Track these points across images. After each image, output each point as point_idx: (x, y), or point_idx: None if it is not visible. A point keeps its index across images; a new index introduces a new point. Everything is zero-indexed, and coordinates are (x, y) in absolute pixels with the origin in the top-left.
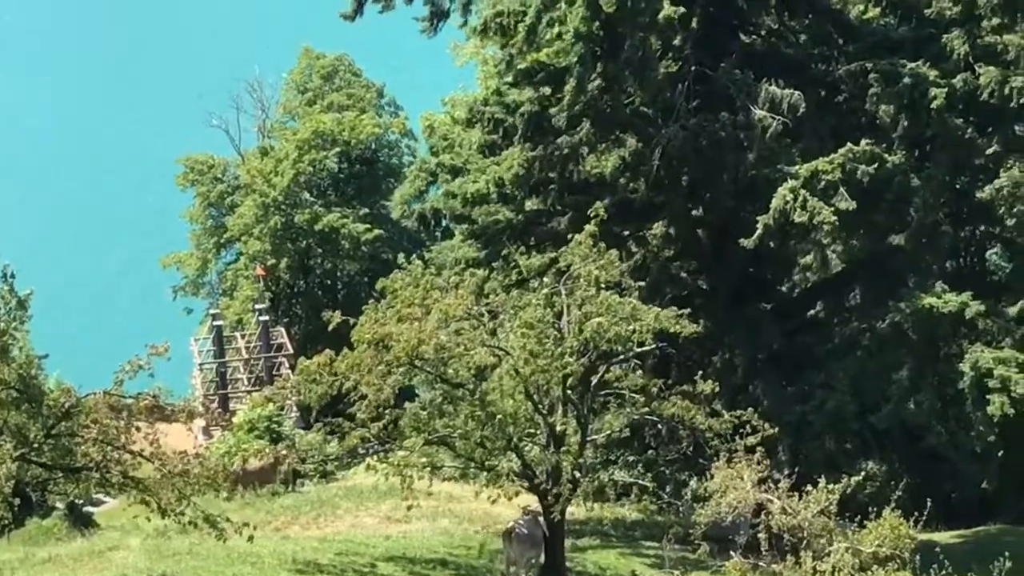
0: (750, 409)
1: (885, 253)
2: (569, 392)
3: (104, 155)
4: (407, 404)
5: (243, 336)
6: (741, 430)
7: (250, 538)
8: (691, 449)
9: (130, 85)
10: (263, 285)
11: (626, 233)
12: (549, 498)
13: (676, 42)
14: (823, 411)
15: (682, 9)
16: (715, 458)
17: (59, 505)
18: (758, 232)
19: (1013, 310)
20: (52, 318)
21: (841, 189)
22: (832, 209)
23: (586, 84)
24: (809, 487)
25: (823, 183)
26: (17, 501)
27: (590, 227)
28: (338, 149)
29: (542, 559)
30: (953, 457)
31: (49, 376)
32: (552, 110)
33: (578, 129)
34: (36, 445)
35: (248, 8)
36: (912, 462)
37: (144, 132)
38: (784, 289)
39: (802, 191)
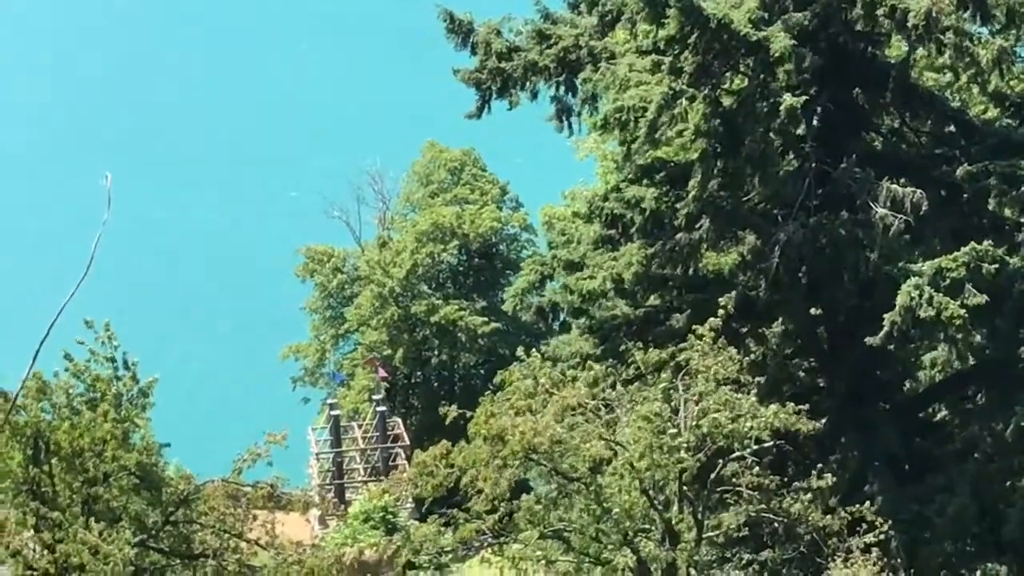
0: (868, 503)
1: (1008, 357)
2: (685, 488)
3: (223, 249)
4: (523, 496)
5: (360, 426)
6: (857, 528)
7: None
8: (808, 549)
9: (253, 176)
10: (381, 375)
11: (744, 330)
12: None
13: (796, 139)
14: (944, 515)
15: (804, 98)
16: (832, 558)
17: None
18: (884, 330)
19: None
20: (174, 406)
21: (968, 285)
22: (959, 303)
23: (709, 181)
24: None
25: (948, 280)
26: None
27: (715, 320)
28: (457, 242)
29: None
30: None
31: (169, 463)
32: (676, 206)
33: (698, 226)
34: (154, 532)
35: (370, 101)
36: None
37: (266, 223)
38: (903, 390)
39: (927, 288)
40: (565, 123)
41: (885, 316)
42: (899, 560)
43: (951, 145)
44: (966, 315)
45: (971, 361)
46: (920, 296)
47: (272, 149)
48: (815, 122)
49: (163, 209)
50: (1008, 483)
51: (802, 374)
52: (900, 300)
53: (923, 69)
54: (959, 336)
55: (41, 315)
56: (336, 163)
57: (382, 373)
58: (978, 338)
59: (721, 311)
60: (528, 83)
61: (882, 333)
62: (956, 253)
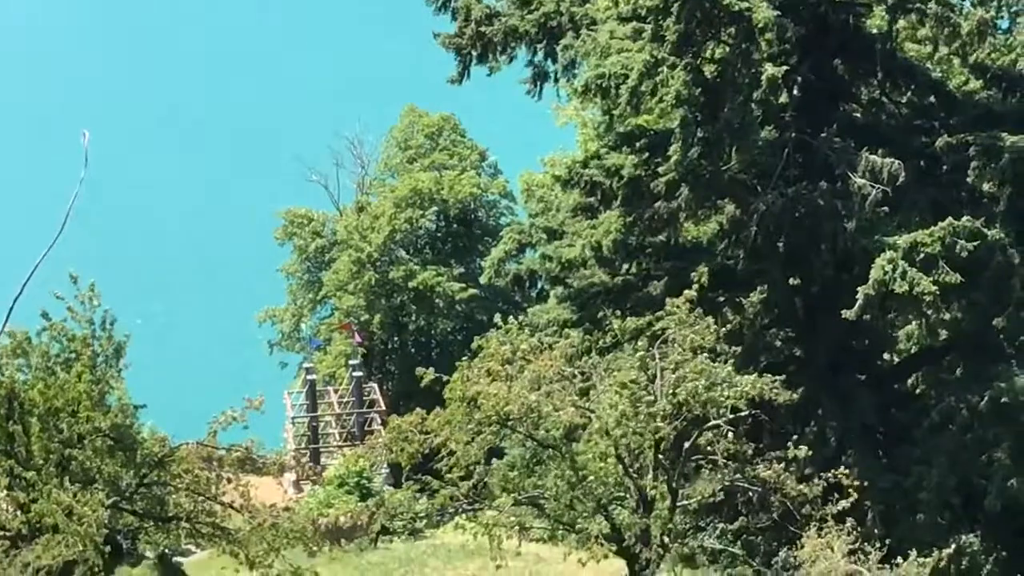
0: (842, 468)
1: (985, 330)
2: (660, 456)
3: (202, 207)
4: (495, 461)
5: (336, 391)
6: (831, 497)
7: None
8: (782, 517)
9: (231, 138)
10: (357, 340)
11: (722, 299)
12: (638, 563)
13: (776, 109)
14: (923, 486)
15: (785, 68)
16: (806, 527)
17: (149, 554)
18: (859, 303)
19: None
20: (149, 368)
21: (941, 263)
22: (932, 280)
23: (689, 149)
24: (900, 559)
25: (922, 255)
26: (108, 549)
27: (689, 292)
28: (436, 208)
29: None
30: None
31: (144, 425)
32: (658, 172)
33: (677, 194)
34: (128, 494)
35: (351, 66)
36: (1005, 537)
37: (243, 185)
38: (880, 361)
39: (901, 262)
40: (538, 88)
41: (859, 289)
42: (875, 531)
43: (931, 117)
44: (937, 292)
45: (947, 334)
46: (894, 271)
47: (253, 112)
48: (795, 92)
49: (142, 169)
50: (984, 455)
51: (779, 344)
52: (874, 274)
53: (904, 40)
54: (929, 312)
55: (16, 271)
56: (316, 127)
57: (357, 339)
58: (947, 316)
59: (698, 280)
60: (509, 48)
61: (856, 306)
62: (932, 228)
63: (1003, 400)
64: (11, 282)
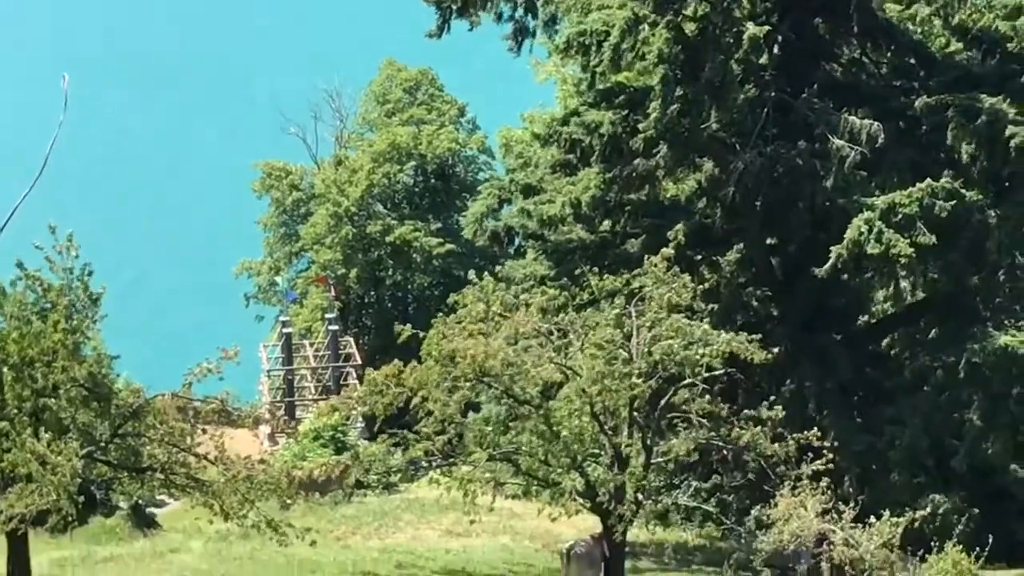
0: (815, 429)
1: (961, 291)
2: (635, 414)
3: (180, 157)
4: (472, 416)
5: (312, 345)
6: (805, 457)
7: (313, 543)
8: (756, 476)
9: (209, 89)
10: (333, 294)
11: (699, 258)
12: (611, 519)
13: (757, 68)
14: (896, 446)
15: (766, 28)
16: (780, 486)
17: (123, 505)
18: (831, 262)
19: None
20: (124, 319)
21: (919, 223)
22: (909, 242)
23: (669, 107)
24: (873, 519)
25: (900, 216)
26: (81, 499)
27: (666, 250)
28: (414, 162)
29: None
30: (1021, 496)
31: (118, 376)
32: (637, 129)
33: (656, 152)
34: (103, 444)
35: (330, 18)
36: (978, 498)
37: (221, 137)
38: (856, 321)
39: (878, 223)
40: (519, 44)
41: (832, 249)
42: (850, 491)
43: (911, 77)
44: (913, 254)
45: (923, 295)
46: (870, 231)
47: (231, 63)
48: (776, 51)
49: (116, 119)
50: (958, 416)
51: (755, 303)
52: (849, 234)
53: (886, 1)
54: (904, 274)
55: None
56: (295, 79)
57: (333, 292)
58: (923, 278)
59: (676, 239)
60: (489, 3)
61: (827, 265)
62: (911, 189)
63: (976, 361)
64: None
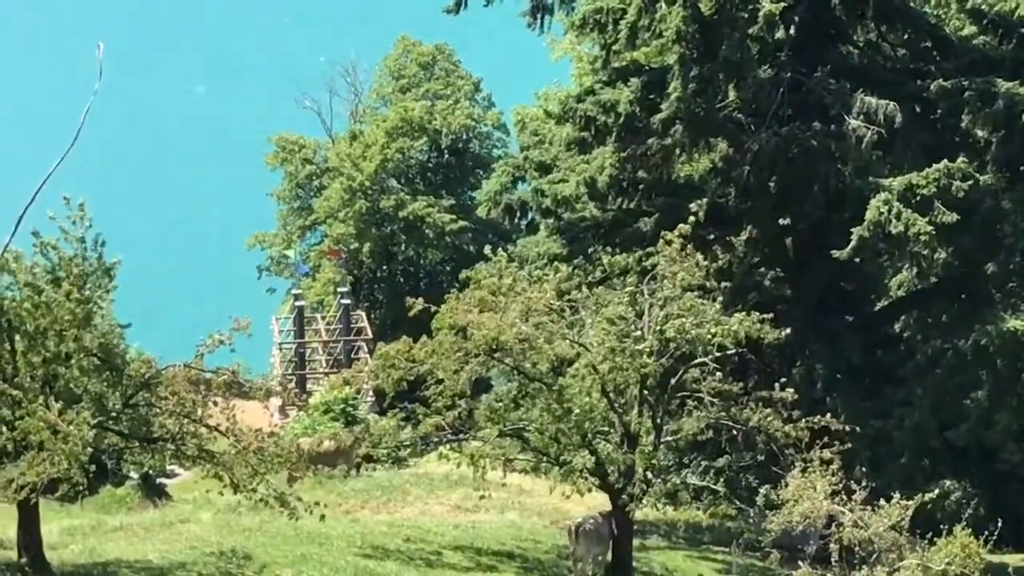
0: (828, 415)
1: (973, 274)
2: (646, 392)
3: (195, 130)
4: (483, 396)
5: (323, 318)
6: (817, 440)
7: (322, 517)
8: (766, 457)
9: (225, 62)
10: (345, 269)
11: (712, 237)
12: (621, 497)
13: (772, 48)
14: (904, 428)
15: (782, 4)
16: (790, 467)
17: (133, 475)
18: (852, 244)
19: None
20: (137, 290)
21: (937, 203)
22: (927, 220)
23: (687, 87)
24: (882, 501)
25: (918, 197)
26: (93, 468)
27: (683, 227)
28: (427, 138)
29: (608, 557)
30: None
31: (130, 347)
32: (653, 108)
33: (671, 131)
34: (114, 414)
35: None
36: (987, 482)
37: (236, 110)
38: (868, 304)
39: (896, 203)
40: (539, 21)
41: (853, 230)
42: (861, 472)
43: (926, 60)
44: (933, 232)
45: (935, 278)
46: (889, 211)
47: (250, 35)
48: (792, 31)
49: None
50: (968, 401)
51: (768, 283)
52: (869, 215)
53: None
54: (924, 253)
55: (25, 186)
56: (311, 53)
57: (342, 260)
58: (943, 255)
59: (691, 217)
60: None
61: (850, 247)
62: (928, 170)
63: (983, 343)
64: (17, 198)
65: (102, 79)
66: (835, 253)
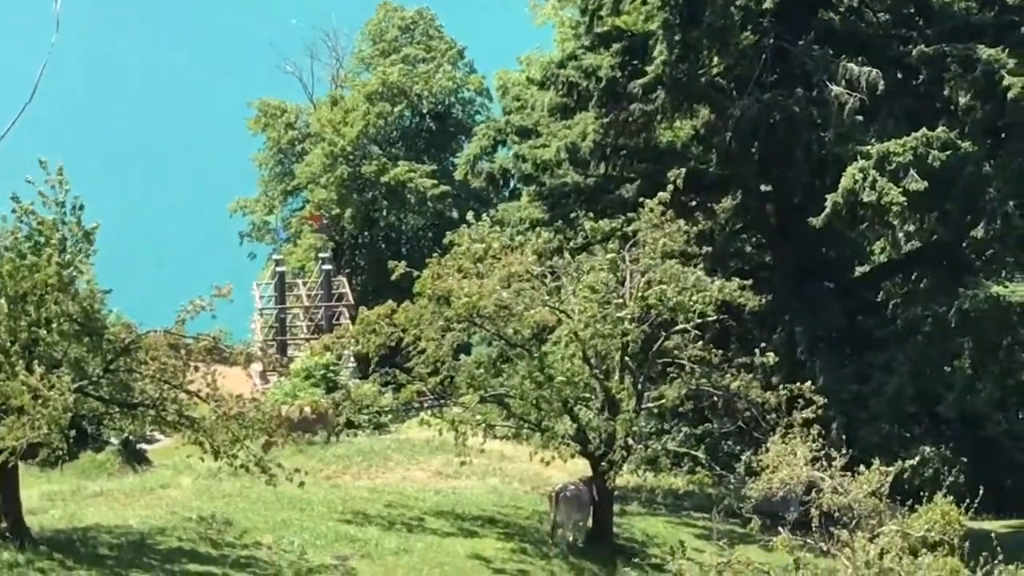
0: (808, 383)
1: (954, 241)
2: (627, 359)
3: (176, 95)
4: (463, 357)
5: (305, 284)
6: (796, 404)
7: (301, 484)
8: (746, 423)
9: (205, 27)
10: (326, 234)
11: (694, 204)
12: (602, 463)
13: (755, 15)
14: (882, 394)
15: None
16: (770, 433)
17: (113, 440)
18: (826, 211)
19: None
20: (117, 255)
21: (911, 171)
22: (901, 190)
23: (672, 52)
24: (862, 468)
25: (894, 165)
26: (73, 434)
27: (663, 194)
28: (408, 103)
29: (589, 523)
30: (1009, 447)
31: (111, 312)
32: (635, 73)
33: (653, 97)
34: (94, 379)
35: None
36: (967, 449)
37: (217, 74)
38: (850, 271)
39: (872, 171)
40: None
41: (828, 196)
42: (841, 439)
43: (909, 26)
44: (905, 202)
45: (917, 245)
46: (864, 179)
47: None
48: None
49: (113, 54)
50: (948, 367)
51: (749, 249)
52: (844, 182)
53: None
54: (896, 223)
55: None
56: (291, 16)
57: (323, 224)
58: (913, 228)
59: (673, 182)
60: None
61: (823, 214)
62: (905, 138)
63: (967, 308)
64: None
65: (58, 32)
66: (811, 220)
